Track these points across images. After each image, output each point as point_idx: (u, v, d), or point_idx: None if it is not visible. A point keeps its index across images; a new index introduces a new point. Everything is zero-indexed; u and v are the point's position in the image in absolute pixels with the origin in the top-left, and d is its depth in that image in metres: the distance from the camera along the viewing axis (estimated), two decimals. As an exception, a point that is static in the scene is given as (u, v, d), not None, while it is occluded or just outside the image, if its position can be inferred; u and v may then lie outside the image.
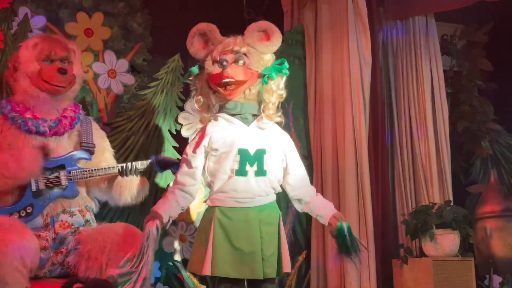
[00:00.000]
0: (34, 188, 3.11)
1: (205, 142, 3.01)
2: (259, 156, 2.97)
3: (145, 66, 4.40)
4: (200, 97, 3.12)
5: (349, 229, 2.96)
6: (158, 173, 3.82)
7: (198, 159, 3.01)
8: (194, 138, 3.11)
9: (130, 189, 3.34)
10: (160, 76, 4.14)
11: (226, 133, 3.00)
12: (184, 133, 4.08)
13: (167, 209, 2.93)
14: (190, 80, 3.24)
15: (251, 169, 2.96)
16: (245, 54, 3.03)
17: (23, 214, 3.08)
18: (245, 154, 2.95)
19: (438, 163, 4.32)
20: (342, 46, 4.19)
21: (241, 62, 3.01)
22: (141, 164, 3.31)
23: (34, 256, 2.93)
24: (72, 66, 3.28)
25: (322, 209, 3.07)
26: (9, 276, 2.78)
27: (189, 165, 3.01)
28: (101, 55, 4.28)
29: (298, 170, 3.12)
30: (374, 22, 4.29)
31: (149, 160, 3.34)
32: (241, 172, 2.95)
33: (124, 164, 3.29)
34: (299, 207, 3.14)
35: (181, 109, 4.12)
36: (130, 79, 4.33)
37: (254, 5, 4.39)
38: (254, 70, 3.05)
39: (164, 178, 3.94)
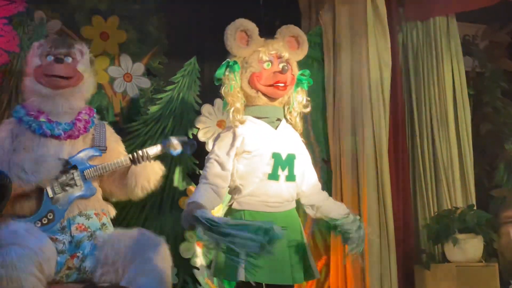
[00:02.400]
0: (51, 194, 3.12)
1: (237, 143, 2.91)
2: (290, 160, 2.93)
3: (161, 70, 4.38)
4: (238, 95, 2.96)
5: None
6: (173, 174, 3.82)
7: (230, 161, 2.90)
8: (222, 139, 2.97)
9: (145, 175, 3.31)
10: (177, 80, 4.14)
11: (258, 135, 2.93)
12: (201, 137, 4.07)
13: (208, 200, 2.77)
14: (223, 77, 3.01)
15: (282, 174, 2.92)
16: (287, 60, 3.00)
17: (45, 222, 3.09)
18: (278, 158, 2.91)
19: (460, 166, 4.28)
20: (361, 48, 4.16)
21: (286, 67, 2.94)
22: (151, 149, 3.30)
23: (51, 262, 2.92)
24: (76, 62, 3.27)
25: (335, 210, 3.04)
26: (25, 281, 2.77)
27: (223, 167, 2.89)
28: (117, 59, 4.27)
29: (312, 177, 3.09)
30: (393, 23, 4.26)
31: (160, 144, 3.32)
32: (274, 176, 2.90)
33: (134, 153, 3.27)
34: (312, 213, 3.11)
35: (198, 113, 4.11)
36: (146, 83, 4.31)
37: (271, 6, 4.35)
38: (295, 77, 3.03)
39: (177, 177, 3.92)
